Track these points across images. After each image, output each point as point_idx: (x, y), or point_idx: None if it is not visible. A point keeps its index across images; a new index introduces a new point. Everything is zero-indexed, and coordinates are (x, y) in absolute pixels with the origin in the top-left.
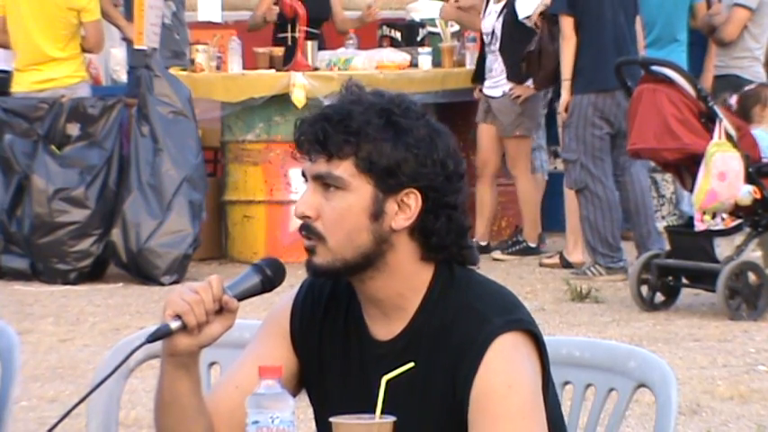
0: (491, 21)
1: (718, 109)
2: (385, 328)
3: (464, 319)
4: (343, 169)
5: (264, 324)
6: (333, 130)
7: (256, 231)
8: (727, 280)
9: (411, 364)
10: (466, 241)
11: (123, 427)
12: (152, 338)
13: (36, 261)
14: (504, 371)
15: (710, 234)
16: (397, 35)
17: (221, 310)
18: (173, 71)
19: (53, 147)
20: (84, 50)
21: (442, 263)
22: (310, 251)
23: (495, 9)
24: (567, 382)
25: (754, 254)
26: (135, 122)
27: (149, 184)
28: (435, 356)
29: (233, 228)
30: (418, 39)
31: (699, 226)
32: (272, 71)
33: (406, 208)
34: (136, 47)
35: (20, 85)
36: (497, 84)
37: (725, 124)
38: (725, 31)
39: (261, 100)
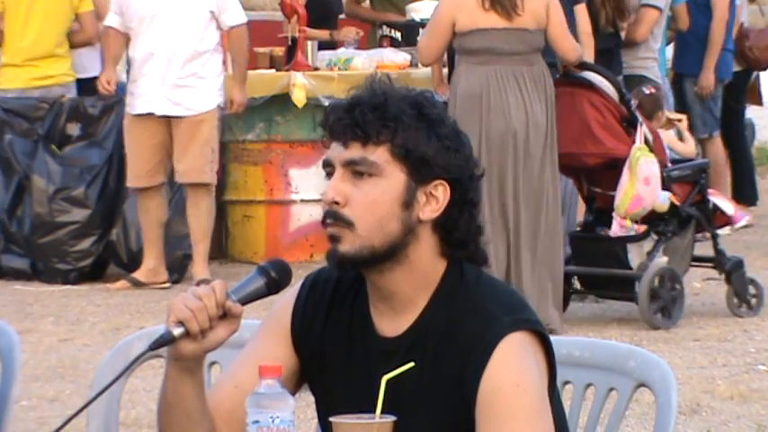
0: None
1: (638, 113)
2: (392, 325)
3: (472, 317)
4: (379, 155)
5: (265, 322)
6: (371, 116)
7: (256, 231)
8: (650, 285)
9: (411, 364)
10: (481, 240)
11: (123, 426)
12: (154, 346)
13: (36, 261)
14: (511, 370)
15: (623, 240)
16: (397, 35)
17: (225, 315)
18: None
19: (53, 147)
20: (78, 45)
21: (454, 260)
22: (335, 239)
23: None
24: (567, 382)
25: (661, 260)
26: None
27: None
28: (443, 354)
29: (233, 228)
30: (418, 39)
31: (617, 231)
32: (272, 71)
33: (434, 200)
34: None
35: (13, 82)
36: None
37: (644, 129)
38: (637, 32)
39: (261, 100)
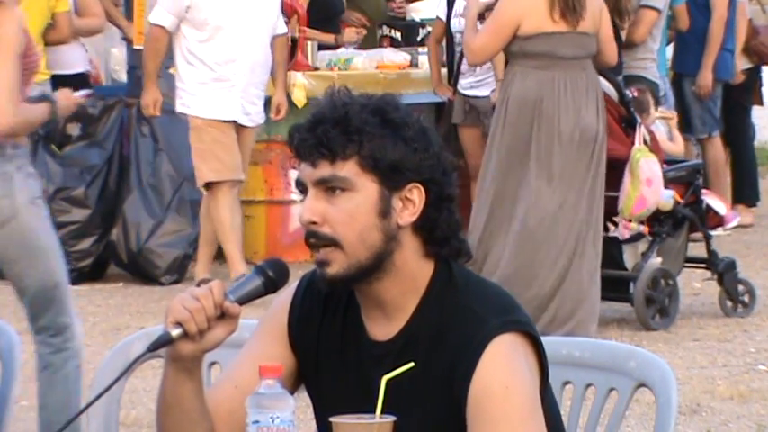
0: None
1: (636, 114)
2: (384, 329)
3: (461, 319)
4: (348, 170)
5: (262, 322)
6: (334, 132)
7: (256, 231)
8: (645, 287)
9: (411, 364)
10: (462, 234)
11: (123, 426)
12: (153, 347)
13: None
14: (501, 372)
15: (618, 241)
16: (397, 35)
17: (223, 315)
18: (173, 71)
19: (53, 147)
20: (51, 43)
21: (441, 261)
22: (323, 263)
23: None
24: (567, 382)
25: (655, 261)
26: (135, 122)
27: (149, 184)
28: (433, 357)
29: None
30: (418, 39)
31: (625, 234)
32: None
33: (410, 204)
34: (136, 47)
35: None
36: (482, 83)
37: (643, 129)
38: (636, 34)
39: None
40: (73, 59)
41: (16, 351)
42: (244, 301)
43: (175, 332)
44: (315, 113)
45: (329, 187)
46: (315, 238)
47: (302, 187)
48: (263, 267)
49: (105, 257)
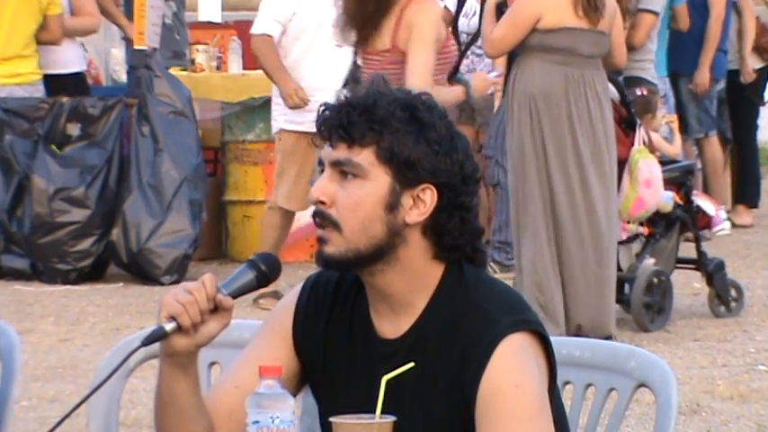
0: (477, 21)
1: (642, 114)
2: (392, 326)
3: (472, 318)
4: (364, 157)
5: (266, 323)
6: (357, 118)
7: (256, 231)
8: (641, 293)
9: (411, 364)
10: (479, 244)
11: (123, 426)
12: (147, 341)
13: (36, 261)
14: (511, 371)
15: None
16: None
17: (216, 308)
18: (173, 71)
19: (53, 147)
20: (42, 43)
21: (453, 262)
22: (322, 241)
23: (479, 9)
24: (567, 382)
25: (648, 261)
26: (135, 122)
27: (149, 184)
28: (442, 355)
29: (233, 228)
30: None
31: (621, 235)
32: None
33: (421, 203)
34: (136, 47)
35: None
36: None
37: (642, 130)
38: (635, 38)
39: (261, 100)
40: (68, 59)
41: (16, 351)
42: (237, 294)
43: (169, 326)
44: (347, 97)
45: (343, 171)
46: (320, 218)
47: (322, 167)
48: (256, 261)
49: (105, 257)
